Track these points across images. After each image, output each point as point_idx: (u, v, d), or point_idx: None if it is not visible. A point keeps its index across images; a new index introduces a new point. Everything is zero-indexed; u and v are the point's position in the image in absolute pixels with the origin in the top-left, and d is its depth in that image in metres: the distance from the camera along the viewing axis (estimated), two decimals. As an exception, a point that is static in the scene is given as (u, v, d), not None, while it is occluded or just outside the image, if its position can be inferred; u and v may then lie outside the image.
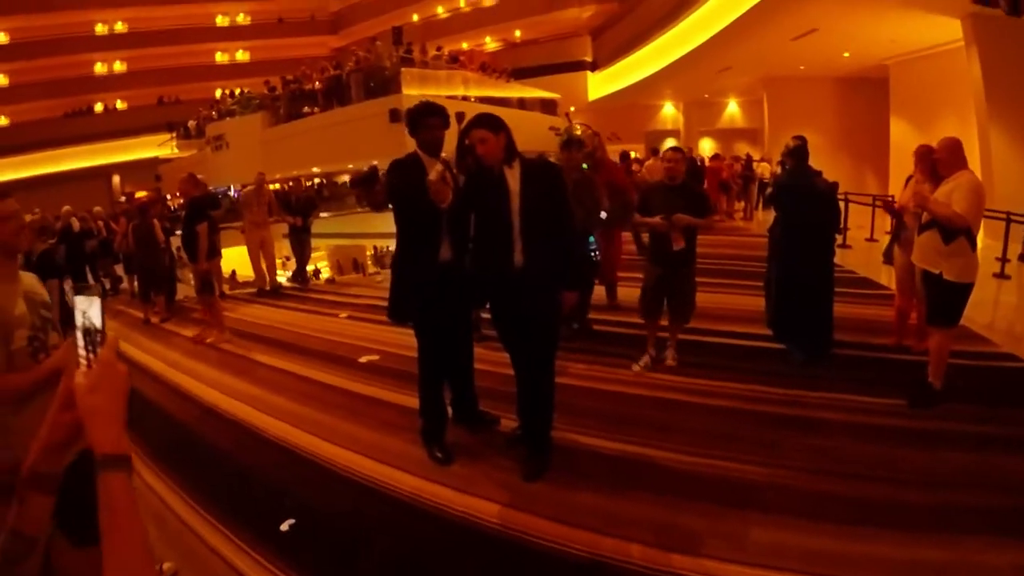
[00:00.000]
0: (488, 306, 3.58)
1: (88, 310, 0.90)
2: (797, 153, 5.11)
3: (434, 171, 3.12)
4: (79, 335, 0.90)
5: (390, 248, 23.23)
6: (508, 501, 3.14)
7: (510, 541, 2.84)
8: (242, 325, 7.35)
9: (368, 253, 23.50)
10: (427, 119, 3.46)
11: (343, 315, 7.55)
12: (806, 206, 4.93)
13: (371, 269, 11.82)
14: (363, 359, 5.61)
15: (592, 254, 5.62)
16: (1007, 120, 10.26)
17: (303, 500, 3.30)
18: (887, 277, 7.14)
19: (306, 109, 15.88)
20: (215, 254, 8.67)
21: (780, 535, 2.78)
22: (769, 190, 5.71)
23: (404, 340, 5.98)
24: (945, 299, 4.04)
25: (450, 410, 3.79)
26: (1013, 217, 8.14)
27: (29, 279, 2.21)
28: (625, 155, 12.12)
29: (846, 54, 14.55)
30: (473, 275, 3.36)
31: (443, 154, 3.54)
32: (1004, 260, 8.06)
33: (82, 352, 0.90)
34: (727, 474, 3.32)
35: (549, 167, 3.47)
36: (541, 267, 3.18)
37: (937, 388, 4.06)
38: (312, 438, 4.01)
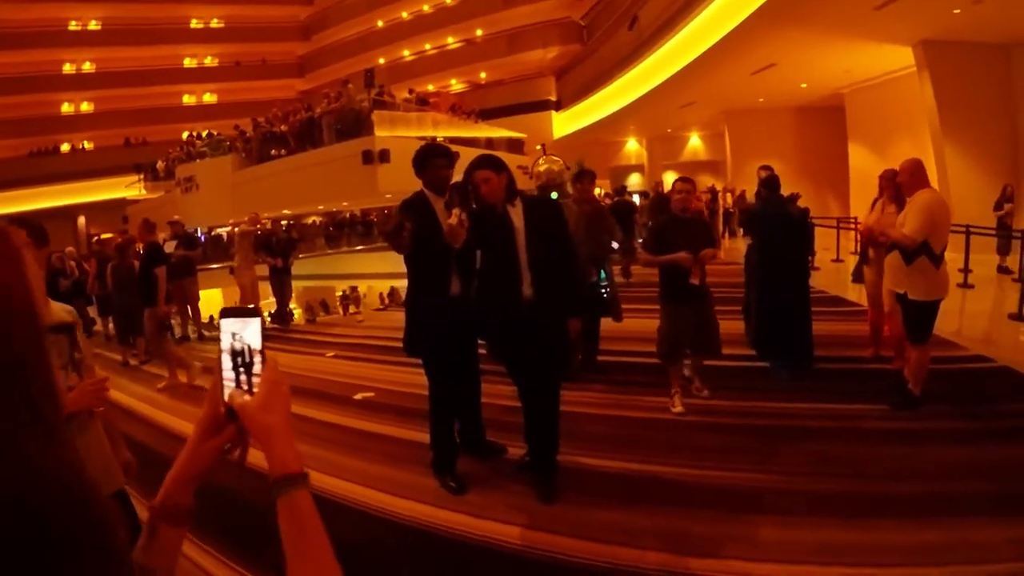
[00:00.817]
0: (489, 340, 3.68)
1: (242, 331, 0.91)
2: (770, 183, 5.41)
3: (453, 215, 3.18)
4: (226, 357, 0.90)
5: (358, 289, 23.25)
6: (527, 523, 3.18)
7: (534, 560, 2.88)
8: None
9: (338, 294, 23.40)
10: (434, 159, 3.61)
11: (330, 354, 7.53)
12: (781, 232, 5.23)
13: (351, 309, 11.71)
14: (358, 396, 5.59)
15: (604, 290, 5.40)
16: (960, 139, 10.85)
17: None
18: (856, 294, 7.52)
19: (273, 152, 15.90)
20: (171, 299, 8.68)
21: (789, 532, 2.94)
22: (741, 218, 5.94)
23: (397, 377, 6.07)
24: (913, 317, 4.30)
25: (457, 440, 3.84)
26: (972, 229, 8.58)
27: (56, 312, 2.07)
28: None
29: (803, 85, 15.12)
30: (480, 309, 3.46)
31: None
32: (967, 271, 8.62)
33: (229, 374, 0.90)
34: (731, 483, 3.48)
35: (549, 203, 3.70)
36: (549, 297, 3.30)
37: (916, 394, 4.31)
38: (317, 474, 3.90)
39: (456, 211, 3.13)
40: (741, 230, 12.89)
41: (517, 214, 3.35)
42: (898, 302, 4.42)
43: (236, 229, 9.64)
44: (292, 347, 8.25)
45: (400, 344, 6.73)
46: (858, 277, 5.70)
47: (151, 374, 7.40)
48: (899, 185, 4.50)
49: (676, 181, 4.89)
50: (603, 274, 5.36)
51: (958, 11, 9.23)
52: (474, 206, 3.44)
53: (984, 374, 5.06)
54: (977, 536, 2.80)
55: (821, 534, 2.90)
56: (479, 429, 3.99)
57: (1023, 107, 10.83)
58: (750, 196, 16.10)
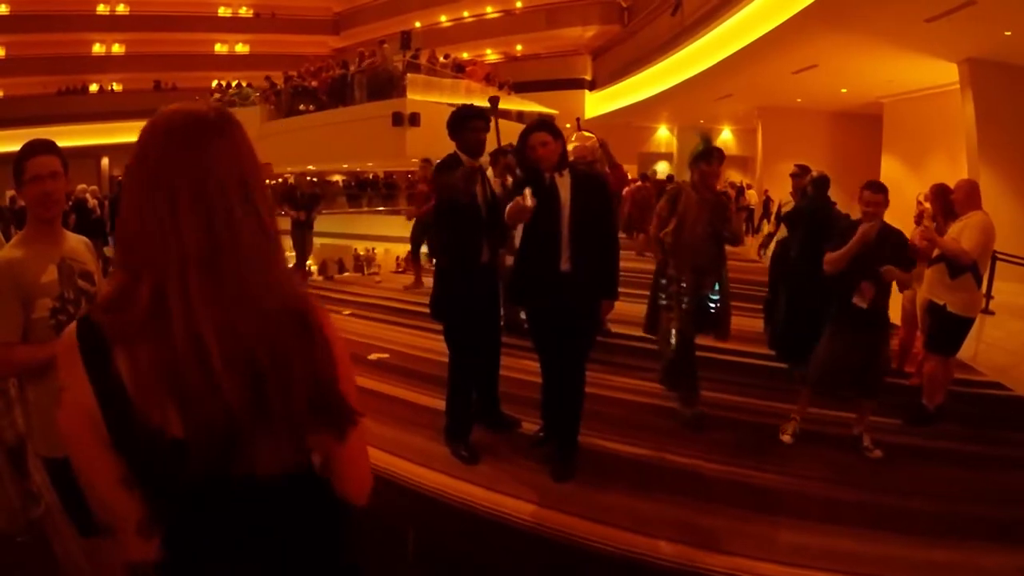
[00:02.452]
0: (524, 309, 3.65)
1: None
2: (820, 183, 5.30)
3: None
4: None
5: (375, 250, 23.23)
6: (539, 500, 3.18)
7: (545, 538, 2.88)
8: None
9: (362, 252, 23.43)
10: (472, 121, 3.54)
11: (346, 312, 7.53)
12: (825, 234, 5.06)
13: (372, 268, 11.73)
14: (372, 356, 5.59)
15: (714, 303, 4.23)
16: (997, 162, 10.62)
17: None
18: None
19: (301, 107, 15.84)
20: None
21: (801, 537, 2.95)
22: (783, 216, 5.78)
23: (412, 340, 6.08)
24: (946, 329, 4.33)
25: None
26: (999, 256, 8.42)
27: (74, 243, 2.06)
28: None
29: (844, 90, 14.84)
30: (516, 278, 3.43)
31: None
32: (988, 296, 8.32)
33: None
34: (746, 480, 3.48)
35: (596, 179, 3.55)
36: (586, 275, 3.25)
37: (930, 410, 4.32)
38: None
39: (528, 191, 3.03)
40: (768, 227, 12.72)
41: (564, 186, 3.27)
42: (929, 314, 4.44)
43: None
44: (309, 302, 8.23)
45: (418, 308, 6.78)
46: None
47: None
48: (953, 201, 4.53)
49: (865, 190, 3.90)
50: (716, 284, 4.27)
51: (1009, 33, 9.01)
52: (518, 172, 3.41)
53: (997, 401, 5.05)
54: (985, 561, 2.82)
55: (831, 541, 2.92)
56: (494, 400, 3.98)
57: (1065, 135, 10.53)
58: (778, 197, 16.01)
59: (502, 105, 18.66)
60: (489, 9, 28.23)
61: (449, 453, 3.62)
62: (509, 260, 4.10)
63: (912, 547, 2.90)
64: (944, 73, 11.44)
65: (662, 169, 25.44)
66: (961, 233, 4.22)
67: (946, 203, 5.27)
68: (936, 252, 4.40)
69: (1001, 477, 3.66)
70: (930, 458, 3.88)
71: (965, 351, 6.13)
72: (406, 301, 8.05)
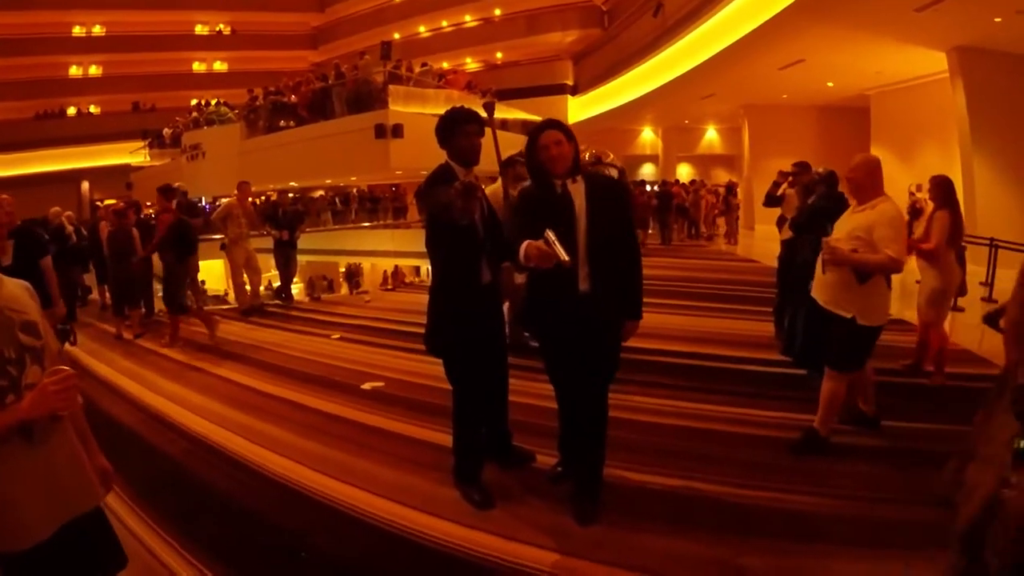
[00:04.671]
0: (536, 337, 3.23)
1: None
2: (830, 179, 5.01)
3: (461, 182, 2.78)
4: None
5: (361, 265, 22.93)
6: (564, 548, 2.81)
7: None
8: (226, 346, 6.87)
9: (341, 270, 23.18)
10: (465, 126, 3.13)
11: (335, 336, 7.16)
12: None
13: (362, 287, 11.43)
14: (366, 386, 5.20)
15: None
16: (990, 150, 10.56)
17: (320, 550, 2.89)
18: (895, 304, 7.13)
19: (282, 123, 15.48)
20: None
21: (854, 565, 2.66)
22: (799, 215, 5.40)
23: (409, 365, 5.70)
24: (855, 344, 3.68)
25: None
26: (996, 243, 8.37)
27: (12, 289, 1.64)
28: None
29: (830, 84, 14.70)
30: (529, 302, 3.04)
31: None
32: (991, 285, 8.43)
33: None
34: (780, 506, 3.15)
35: (615, 184, 3.23)
36: (607, 295, 2.88)
37: (824, 436, 3.73)
38: (322, 476, 3.56)
39: (552, 235, 2.62)
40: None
41: (579, 194, 2.89)
42: (833, 326, 3.69)
43: (224, 200, 9.19)
44: (295, 326, 7.89)
45: (414, 328, 6.40)
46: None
47: (144, 349, 7.01)
48: (849, 182, 3.77)
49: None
50: None
51: (999, 19, 8.89)
52: (526, 181, 3.05)
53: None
54: None
55: (886, 567, 2.63)
56: (505, 433, 3.59)
57: (1058, 122, 10.50)
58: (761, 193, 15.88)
59: (485, 114, 18.68)
60: (468, 17, 28.04)
61: (459, 497, 3.23)
62: (519, 278, 3.70)
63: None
64: (932, 62, 11.35)
65: (648, 172, 25.36)
66: (873, 231, 3.50)
67: (946, 193, 5.11)
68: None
69: None
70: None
71: (969, 339, 6.30)
72: (400, 322, 7.70)
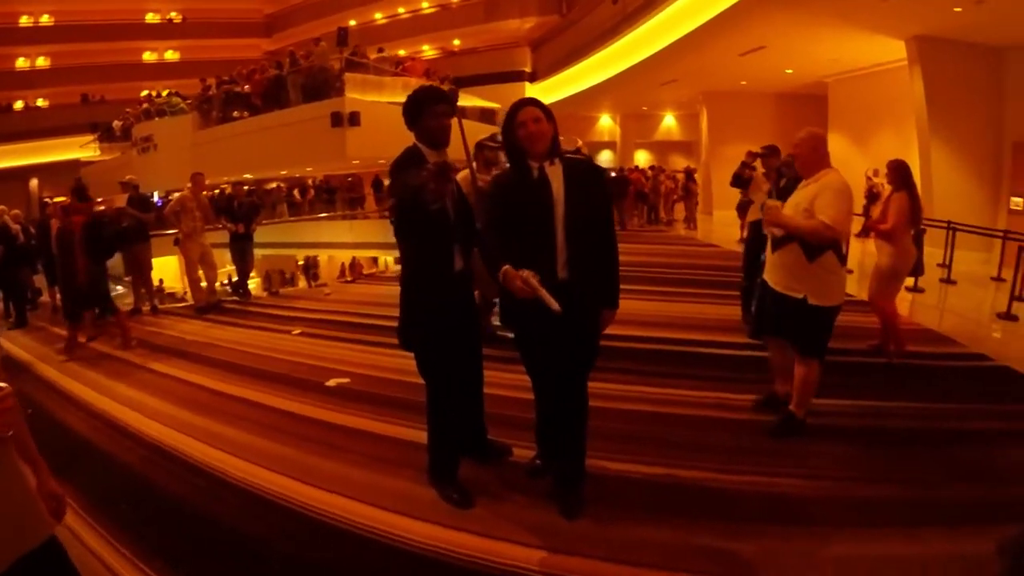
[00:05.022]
0: (512, 327, 3.05)
1: None
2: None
3: (434, 163, 2.61)
4: None
5: (318, 258, 22.48)
6: (551, 544, 2.71)
7: None
8: (182, 345, 6.59)
9: (300, 263, 22.71)
10: (433, 106, 2.94)
11: (296, 331, 6.91)
12: None
13: (318, 281, 11.14)
14: (331, 382, 4.99)
15: None
16: (947, 136, 10.77)
17: (291, 559, 2.72)
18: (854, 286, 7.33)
19: (235, 113, 14.99)
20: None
21: (845, 547, 2.67)
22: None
23: (374, 359, 5.53)
24: (813, 326, 3.63)
25: None
26: (954, 226, 8.61)
27: None
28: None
29: (789, 71, 14.81)
30: (506, 294, 2.86)
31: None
32: (948, 266, 8.65)
33: None
34: (765, 489, 3.15)
35: (593, 168, 3.03)
36: (585, 283, 2.76)
37: (801, 417, 3.76)
38: (289, 480, 3.38)
39: (531, 275, 2.56)
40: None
41: (556, 177, 2.76)
42: (786, 311, 3.66)
43: (176, 194, 8.82)
44: (254, 323, 7.60)
45: (379, 321, 6.21)
46: None
47: (98, 352, 6.64)
48: (794, 158, 3.77)
49: None
50: None
51: (959, 9, 9.01)
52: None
53: (986, 373, 4.94)
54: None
55: (878, 548, 2.67)
56: (481, 427, 3.45)
57: (1011, 109, 10.78)
58: (726, 179, 16.05)
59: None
60: (425, 4, 27.64)
61: (437, 497, 3.09)
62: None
63: (957, 540, 2.67)
64: (891, 51, 11.50)
65: (606, 158, 25.39)
66: (814, 201, 3.49)
67: (903, 176, 5.18)
68: (780, 232, 3.66)
69: (1013, 451, 3.51)
70: (952, 441, 3.67)
71: (930, 319, 6.54)
72: (363, 315, 7.49)
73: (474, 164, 3.96)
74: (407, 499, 3.11)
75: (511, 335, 3.05)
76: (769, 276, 3.78)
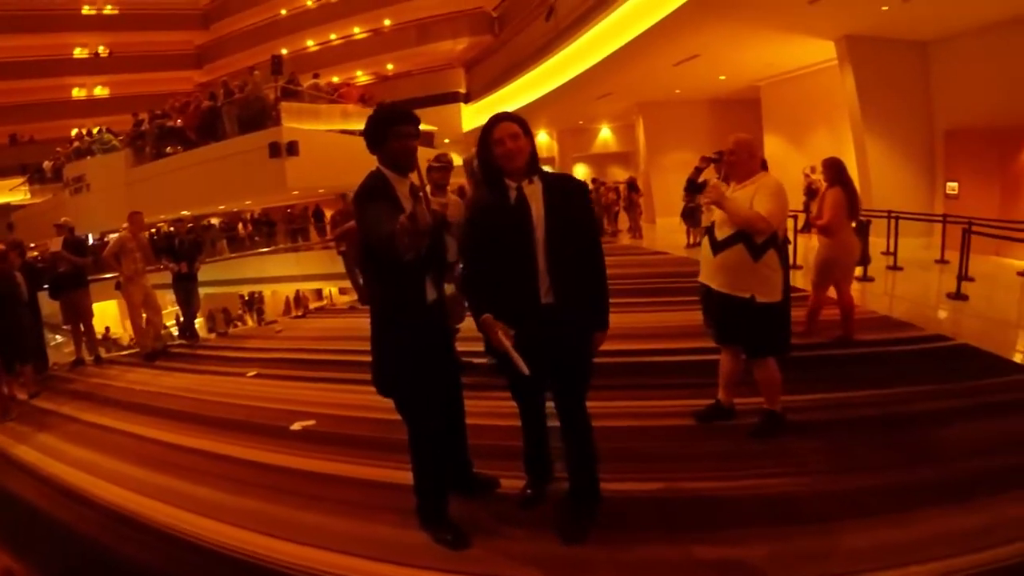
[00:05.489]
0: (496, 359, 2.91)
1: None
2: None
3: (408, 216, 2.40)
4: None
5: (261, 293, 21.88)
6: (558, 574, 2.60)
7: None
8: (132, 396, 6.19)
9: (243, 299, 22.09)
10: (397, 127, 2.73)
11: (251, 373, 6.57)
12: None
13: (264, 317, 10.77)
14: (296, 426, 4.72)
15: None
16: (880, 130, 11.19)
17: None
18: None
19: (168, 149, 14.49)
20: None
21: (845, 539, 2.71)
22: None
23: (338, 398, 5.30)
24: (765, 324, 3.68)
25: None
26: (894, 214, 9.12)
27: None
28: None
29: (722, 77, 15.17)
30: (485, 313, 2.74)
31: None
32: (894, 254, 9.07)
33: None
34: (757, 492, 3.16)
35: (574, 183, 2.88)
36: (571, 306, 2.66)
37: (780, 412, 3.86)
38: (263, 537, 3.12)
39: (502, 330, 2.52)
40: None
41: (536, 196, 2.65)
42: (734, 313, 3.69)
43: (113, 236, 8.41)
44: (205, 367, 7.23)
45: (338, 356, 5.96)
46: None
47: (42, 410, 6.14)
48: (730, 164, 3.76)
49: None
50: None
51: (886, 8, 9.37)
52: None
53: (945, 353, 5.19)
54: (1013, 513, 2.79)
55: (874, 536, 2.73)
56: (465, 460, 3.29)
57: (939, 101, 11.24)
58: (664, 188, 16.33)
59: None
60: (357, 29, 27.35)
61: (429, 540, 2.91)
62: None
63: (950, 517, 2.81)
64: (821, 52, 11.88)
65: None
66: (752, 201, 3.55)
67: (837, 172, 5.42)
68: (723, 234, 3.66)
69: (991, 426, 3.73)
70: (921, 423, 3.83)
71: (881, 306, 6.84)
72: (320, 350, 7.23)
73: (428, 187, 3.83)
74: (397, 546, 2.92)
75: (479, 361, 2.96)
76: (711, 279, 3.78)
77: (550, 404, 2.93)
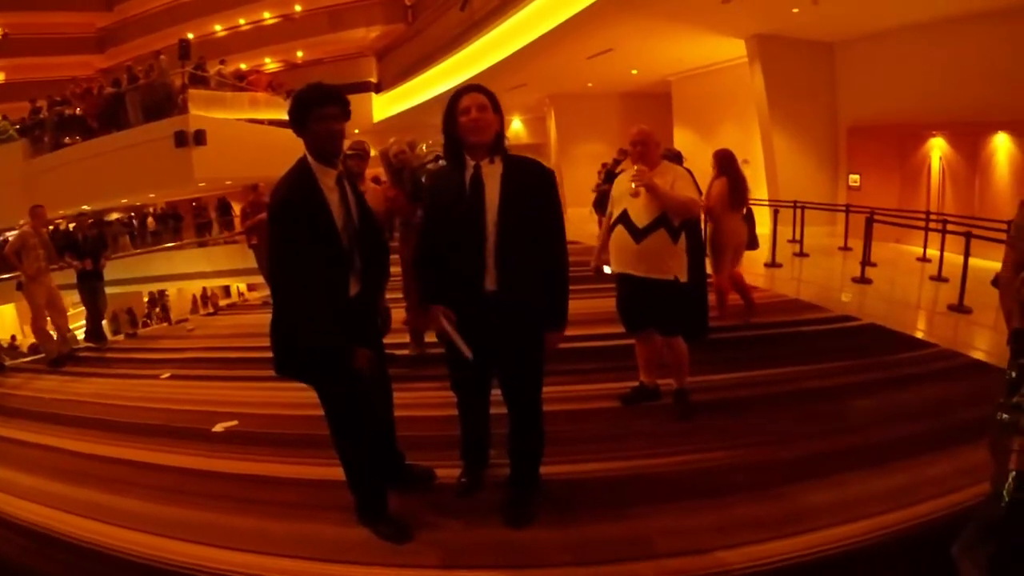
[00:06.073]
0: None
1: None
2: (675, 156, 5.42)
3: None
4: None
5: (166, 292, 20.79)
6: (516, 561, 2.65)
7: None
8: (41, 405, 5.80)
9: (144, 299, 21.01)
10: (321, 107, 2.51)
11: (165, 375, 6.31)
12: None
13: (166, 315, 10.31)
14: (218, 427, 4.55)
15: None
16: (787, 126, 11.81)
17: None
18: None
19: (67, 140, 13.58)
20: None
21: (782, 504, 2.96)
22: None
23: (260, 396, 5.18)
24: (687, 303, 3.98)
25: None
26: (800, 204, 9.70)
27: None
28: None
29: (634, 71, 15.50)
30: (432, 301, 2.70)
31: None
32: (800, 242, 9.64)
33: None
34: (695, 466, 3.39)
35: (539, 168, 2.72)
36: (518, 295, 2.59)
37: (688, 389, 4.13)
38: (201, 548, 2.97)
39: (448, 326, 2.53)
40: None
41: (493, 177, 2.56)
42: (659, 298, 3.83)
43: (12, 233, 7.85)
44: (116, 371, 6.87)
45: (256, 354, 5.69)
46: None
47: None
48: (641, 154, 3.83)
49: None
50: None
51: (797, 10, 9.84)
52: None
53: (853, 332, 5.69)
54: (931, 472, 3.13)
55: (807, 500, 2.97)
56: (396, 453, 3.25)
57: (843, 98, 11.91)
58: (577, 180, 16.62)
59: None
60: (267, 15, 26.22)
61: (372, 536, 2.88)
62: None
63: (871, 479, 3.11)
64: (732, 49, 12.32)
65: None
66: (672, 186, 3.70)
67: (725, 163, 5.72)
68: (645, 221, 3.75)
69: (899, 397, 4.14)
70: (841, 395, 4.21)
71: (789, 289, 7.36)
72: (236, 348, 7.03)
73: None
74: (339, 544, 2.89)
75: (401, 353, 2.95)
76: (632, 267, 3.83)
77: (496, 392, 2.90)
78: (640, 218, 3.74)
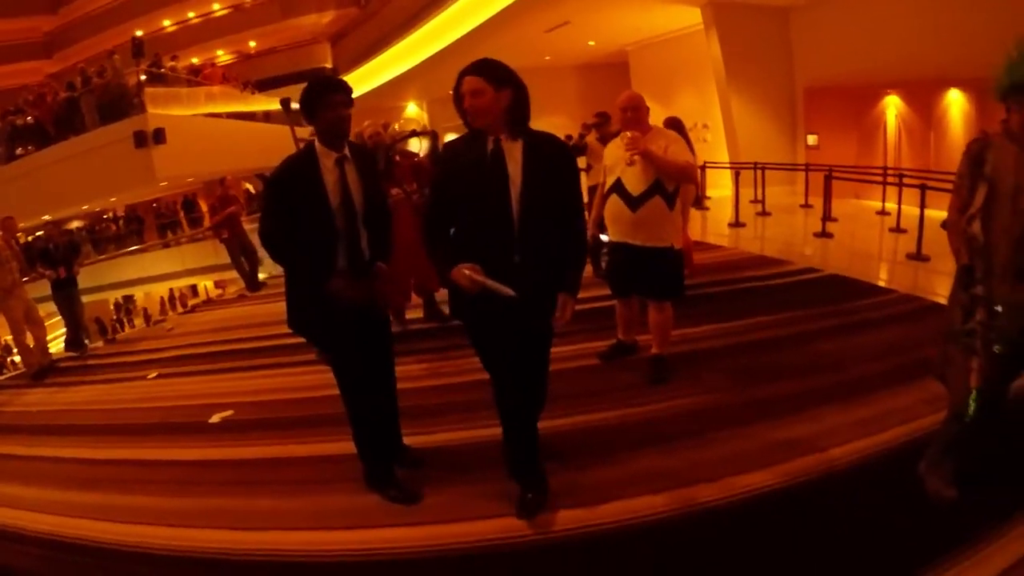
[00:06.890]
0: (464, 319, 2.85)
1: None
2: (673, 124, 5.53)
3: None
4: None
5: (134, 296, 20.33)
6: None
7: (558, 544, 2.65)
8: (33, 419, 5.74)
9: (111, 307, 20.63)
10: (329, 96, 2.75)
11: (152, 375, 6.33)
12: None
13: (157, 317, 10.22)
14: (215, 418, 4.63)
15: None
16: (744, 91, 12.03)
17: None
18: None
19: (19, 151, 13.24)
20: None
21: (759, 437, 3.26)
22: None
23: (253, 383, 5.29)
24: (679, 269, 4.03)
25: None
26: (760, 165, 9.99)
27: None
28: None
29: (591, 43, 15.62)
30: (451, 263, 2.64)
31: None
32: (762, 202, 9.94)
33: None
34: (678, 411, 3.68)
35: (559, 145, 2.71)
36: (543, 267, 2.61)
37: (666, 357, 4.17)
38: (223, 532, 3.05)
39: (471, 273, 2.48)
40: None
41: (514, 155, 2.53)
42: (652, 263, 3.90)
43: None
44: (102, 376, 6.81)
45: (242, 344, 5.88)
46: None
47: None
48: (637, 120, 3.85)
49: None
50: None
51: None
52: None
53: (817, 282, 6.05)
54: (895, 404, 3.42)
55: (788, 431, 3.27)
56: (396, 434, 3.37)
57: (799, 60, 12.15)
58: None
59: (248, 107, 17.36)
60: (217, 6, 25.55)
61: (382, 500, 3.04)
62: None
63: (844, 412, 3.40)
64: (687, 17, 12.46)
65: (414, 145, 25.25)
66: (667, 151, 3.70)
67: (678, 130, 5.66)
68: (639, 189, 3.77)
69: (860, 339, 4.44)
70: (808, 340, 4.53)
71: (754, 247, 7.62)
72: (219, 342, 7.06)
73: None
74: (353, 511, 3.04)
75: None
76: (630, 236, 3.86)
77: None
78: (634, 186, 3.75)
